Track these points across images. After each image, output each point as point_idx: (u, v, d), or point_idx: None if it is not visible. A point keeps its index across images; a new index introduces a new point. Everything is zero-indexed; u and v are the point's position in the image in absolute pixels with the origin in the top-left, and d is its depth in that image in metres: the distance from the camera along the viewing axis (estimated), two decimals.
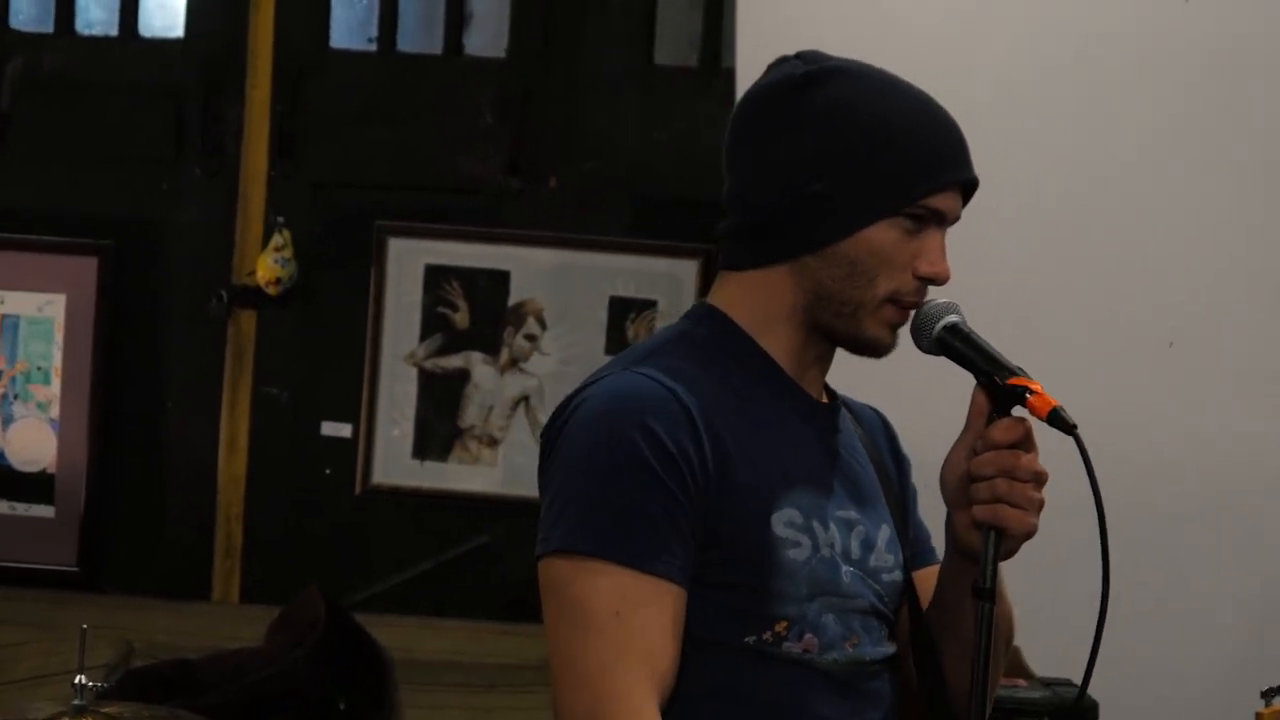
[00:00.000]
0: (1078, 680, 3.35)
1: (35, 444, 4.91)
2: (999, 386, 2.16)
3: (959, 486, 2.19)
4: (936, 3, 4.11)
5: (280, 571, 4.87)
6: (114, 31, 5.06)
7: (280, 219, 4.85)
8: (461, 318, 4.87)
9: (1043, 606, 3.72)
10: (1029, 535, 2.20)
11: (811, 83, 2.23)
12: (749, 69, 4.09)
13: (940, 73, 4.02)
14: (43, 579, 4.87)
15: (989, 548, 2.16)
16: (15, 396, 4.91)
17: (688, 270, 4.77)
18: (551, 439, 2.21)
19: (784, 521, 2.17)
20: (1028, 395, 2.13)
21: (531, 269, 4.77)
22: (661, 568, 2.11)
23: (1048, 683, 3.49)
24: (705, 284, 4.67)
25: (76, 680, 3.26)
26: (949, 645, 2.28)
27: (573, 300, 4.79)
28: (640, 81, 4.84)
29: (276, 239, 4.83)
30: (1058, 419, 2.12)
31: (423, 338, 4.87)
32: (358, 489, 4.86)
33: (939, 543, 2.38)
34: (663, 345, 2.26)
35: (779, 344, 2.26)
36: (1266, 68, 4.00)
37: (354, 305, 4.88)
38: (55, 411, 4.90)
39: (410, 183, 4.94)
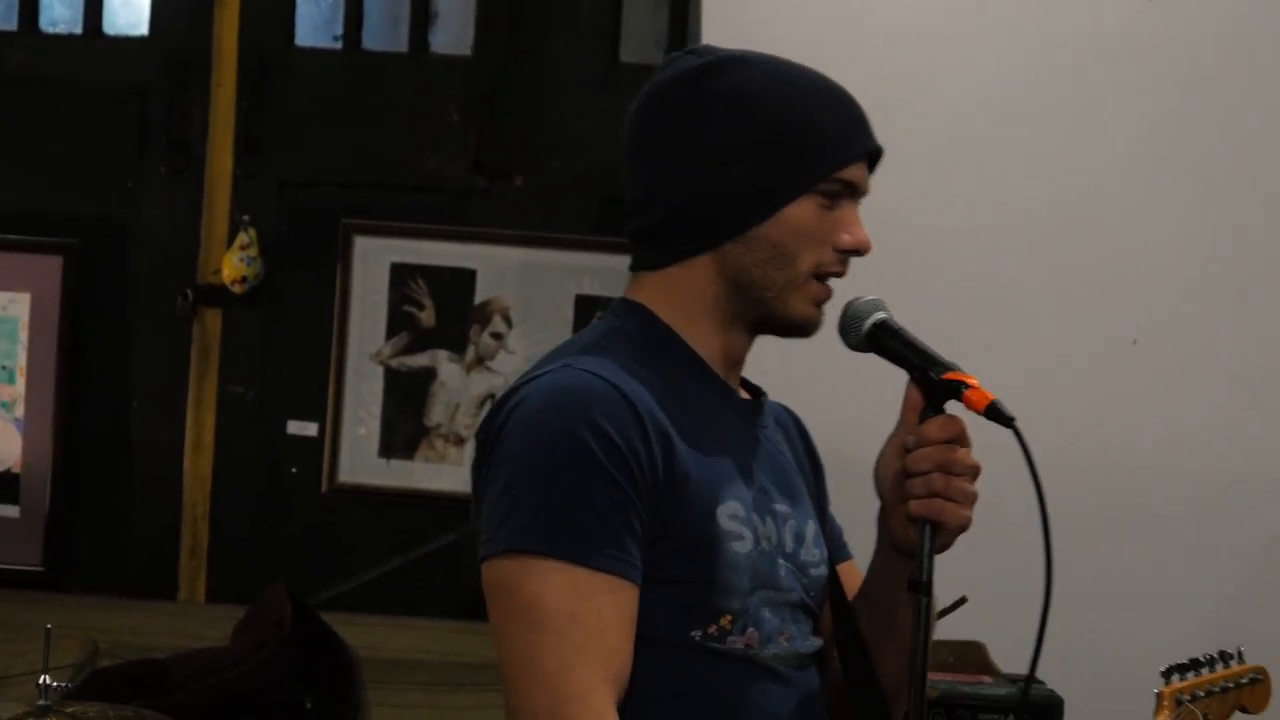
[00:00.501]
0: (1043, 677, 3.39)
1: (0, 443, 4.89)
2: (934, 382, 2.16)
3: (894, 482, 2.19)
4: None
5: (246, 571, 4.86)
6: (78, 29, 5.04)
7: (246, 217, 4.84)
8: (427, 316, 4.87)
9: (1008, 604, 3.73)
10: (964, 528, 2.21)
11: (710, 73, 2.24)
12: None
13: (909, 68, 4.05)
14: (8, 579, 4.85)
15: (925, 542, 2.15)
16: None
17: None
18: (490, 437, 2.18)
19: (728, 514, 2.18)
20: (964, 389, 2.14)
21: (497, 267, 4.77)
22: (615, 565, 2.09)
23: (1014, 679, 3.50)
24: None
25: (41, 680, 3.25)
26: (880, 638, 2.29)
27: (539, 298, 4.79)
28: (606, 80, 4.84)
29: (242, 237, 4.82)
30: (996, 412, 2.12)
31: (389, 336, 4.87)
32: (324, 488, 4.86)
33: (851, 539, 2.44)
34: (599, 340, 2.25)
35: (704, 340, 2.26)
36: (1235, 67, 4.01)
37: (320, 304, 4.88)
38: (20, 410, 4.89)
39: (376, 181, 4.94)
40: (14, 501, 4.89)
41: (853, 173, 2.25)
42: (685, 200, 2.22)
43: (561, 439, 2.11)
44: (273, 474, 4.92)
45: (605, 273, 4.74)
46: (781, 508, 2.26)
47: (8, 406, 4.90)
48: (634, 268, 2.31)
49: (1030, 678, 2.32)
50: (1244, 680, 3.07)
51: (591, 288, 4.77)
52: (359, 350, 4.87)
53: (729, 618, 2.17)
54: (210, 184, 4.94)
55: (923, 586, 2.14)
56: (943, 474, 2.15)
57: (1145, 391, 3.95)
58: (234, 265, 4.82)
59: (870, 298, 2.24)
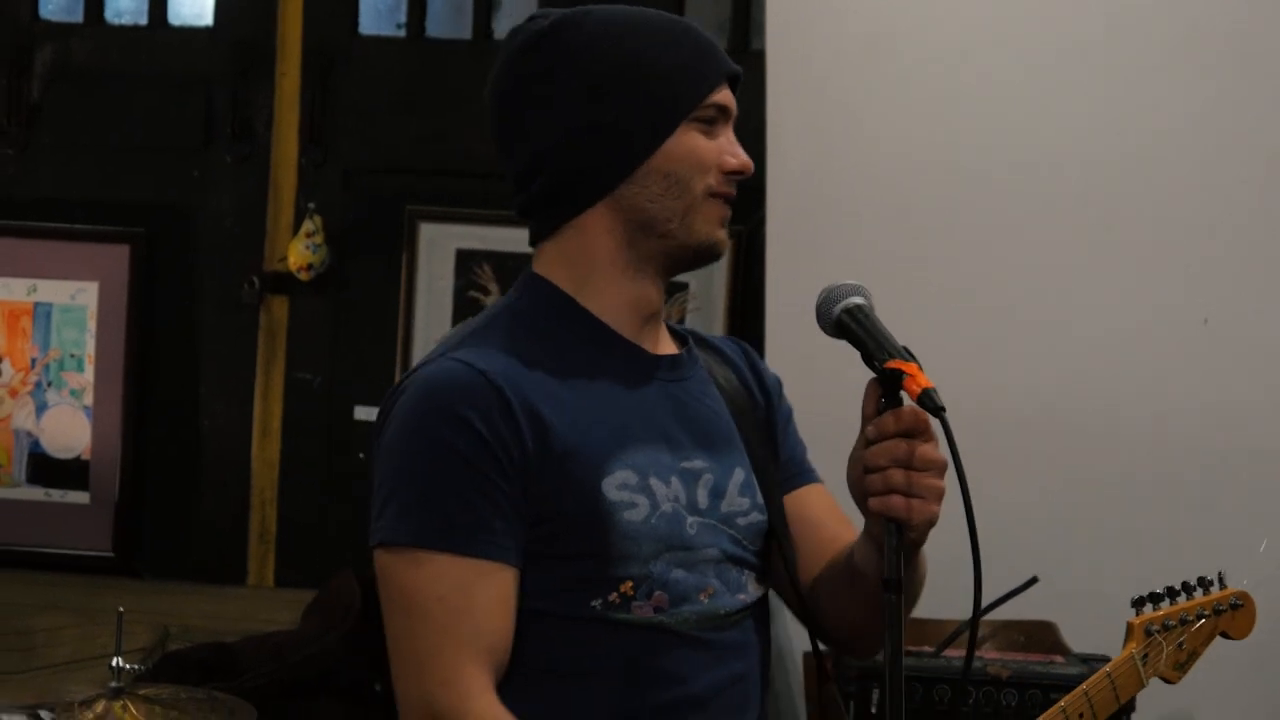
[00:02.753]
0: (1115, 656, 3.37)
1: (70, 431, 4.92)
2: (878, 370, 2.13)
3: (858, 479, 2.16)
4: None
5: (314, 555, 4.88)
6: (143, 20, 5.06)
7: (311, 205, 4.86)
8: (493, 301, 4.87)
9: (1080, 583, 3.72)
10: (930, 524, 2.15)
11: (561, 29, 2.30)
12: (779, 50, 4.09)
13: (973, 48, 4.04)
14: (78, 565, 4.89)
15: (890, 538, 2.11)
16: (49, 384, 4.93)
17: None
18: (378, 427, 2.26)
19: (616, 485, 2.20)
20: (903, 377, 2.10)
21: None
22: (482, 549, 2.15)
23: (1085, 658, 3.49)
24: (736, 266, 4.67)
25: (114, 663, 3.27)
26: (848, 590, 2.29)
27: None
28: None
29: (308, 225, 4.84)
30: (927, 401, 2.07)
31: (455, 321, 4.88)
32: None
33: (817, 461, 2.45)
34: (486, 323, 2.31)
35: (604, 299, 2.30)
36: None
37: (385, 290, 4.89)
38: (89, 398, 4.92)
39: (440, 168, 4.94)
40: (84, 488, 4.92)
41: (722, 96, 2.30)
42: (567, 155, 2.27)
43: (426, 433, 2.18)
44: (339, 459, 4.93)
45: None
46: (696, 463, 2.28)
47: (77, 394, 4.93)
48: (532, 242, 2.37)
49: (970, 658, 2.27)
50: (1223, 606, 3.05)
51: None
52: (425, 336, 4.88)
53: (629, 584, 2.20)
54: (276, 172, 4.96)
55: (892, 584, 2.10)
56: (901, 469, 2.10)
57: (1217, 371, 3.92)
58: (300, 253, 4.84)
59: (850, 283, 2.22)
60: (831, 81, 4.09)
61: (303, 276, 4.85)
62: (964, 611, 3.07)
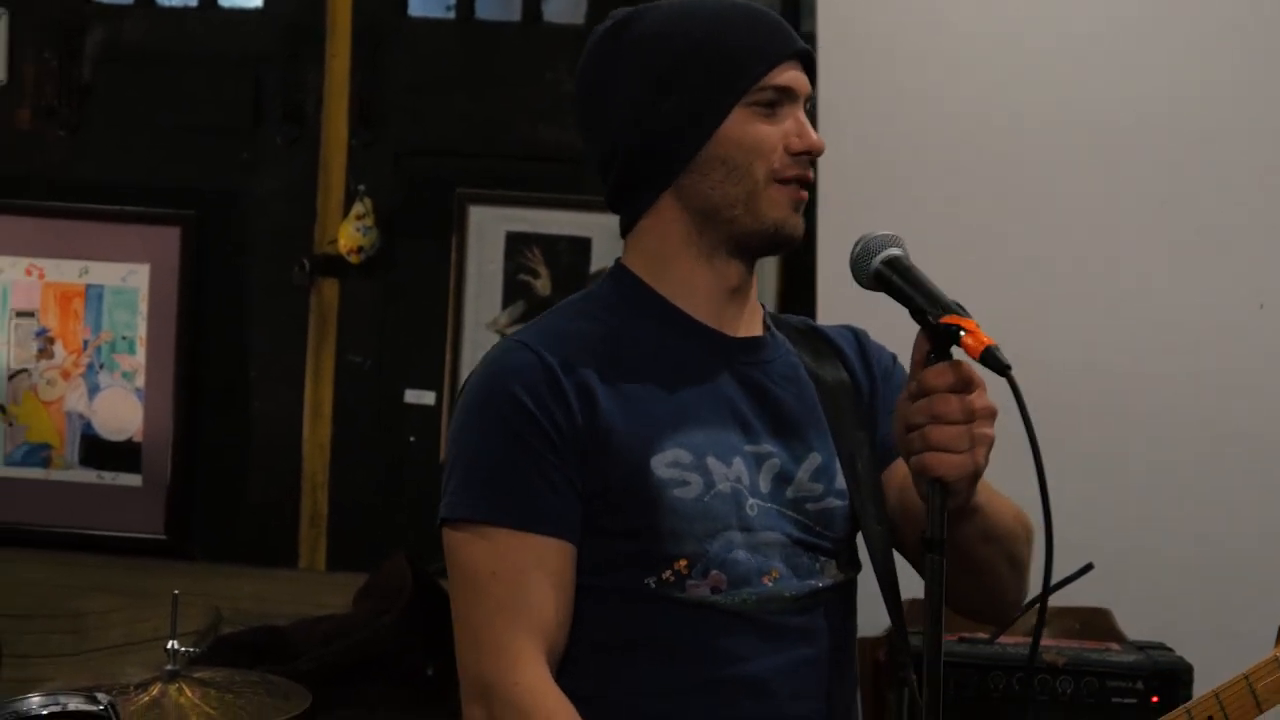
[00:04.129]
0: (1172, 644, 3.36)
1: (121, 413, 4.94)
2: (932, 325, 2.08)
3: (902, 437, 2.12)
4: None
5: (366, 539, 4.88)
6: (194, 2, 5.07)
7: (361, 187, 4.86)
8: (543, 284, 4.87)
9: (1135, 570, 3.71)
10: (973, 477, 2.10)
11: (624, 26, 2.33)
12: (831, 38, 4.07)
13: (1024, 24, 4.01)
14: (131, 547, 4.91)
15: (934, 498, 2.06)
16: (101, 366, 4.95)
17: None
18: (455, 408, 2.32)
19: (666, 463, 2.21)
20: (961, 334, 2.04)
21: (612, 235, 4.68)
22: (537, 524, 2.20)
23: (1141, 646, 3.47)
24: (786, 258, 4.61)
25: (169, 646, 3.28)
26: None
27: None
28: None
29: (358, 207, 4.84)
30: (992, 359, 2.02)
31: (505, 304, 4.88)
32: (442, 456, 4.86)
33: None
34: (562, 307, 2.37)
35: (679, 285, 2.32)
36: None
37: (436, 273, 4.89)
38: (140, 381, 4.93)
39: (490, 150, 4.94)
40: (136, 470, 4.93)
41: (783, 76, 2.28)
42: (631, 148, 2.30)
43: (481, 412, 2.25)
44: (391, 442, 4.94)
45: None
46: (765, 447, 2.29)
47: (129, 377, 4.94)
48: (622, 234, 2.39)
49: (1036, 640, 2.22)
50: None
51: None
52: (475, 319, 4.88)
53: (684, 562, 2.21)
54: (326, 154, 4.96)
55: (935, 544, 2.04)
56: (937, 425, 2.05)
57: (1273, 357, 3.89)
58: (350, 235, 4.84)
59: (884, 233, 2.18)
60: (883, 62, 4.08)
61: (353, 259, 4.85)
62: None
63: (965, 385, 2.07)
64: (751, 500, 2.25)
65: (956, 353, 2.07)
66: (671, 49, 2.28)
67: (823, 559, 2.30)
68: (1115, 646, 3.49)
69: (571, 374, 2.23)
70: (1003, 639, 3.38)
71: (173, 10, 5.08)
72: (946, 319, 2.06)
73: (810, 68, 2.33)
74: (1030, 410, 3.83)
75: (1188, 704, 2.77)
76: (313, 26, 4.95)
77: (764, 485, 2.27)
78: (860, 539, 2.37)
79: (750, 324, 2.38)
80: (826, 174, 4.04)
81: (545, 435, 2.20)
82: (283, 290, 4.95)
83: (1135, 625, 3.65)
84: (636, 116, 2.28)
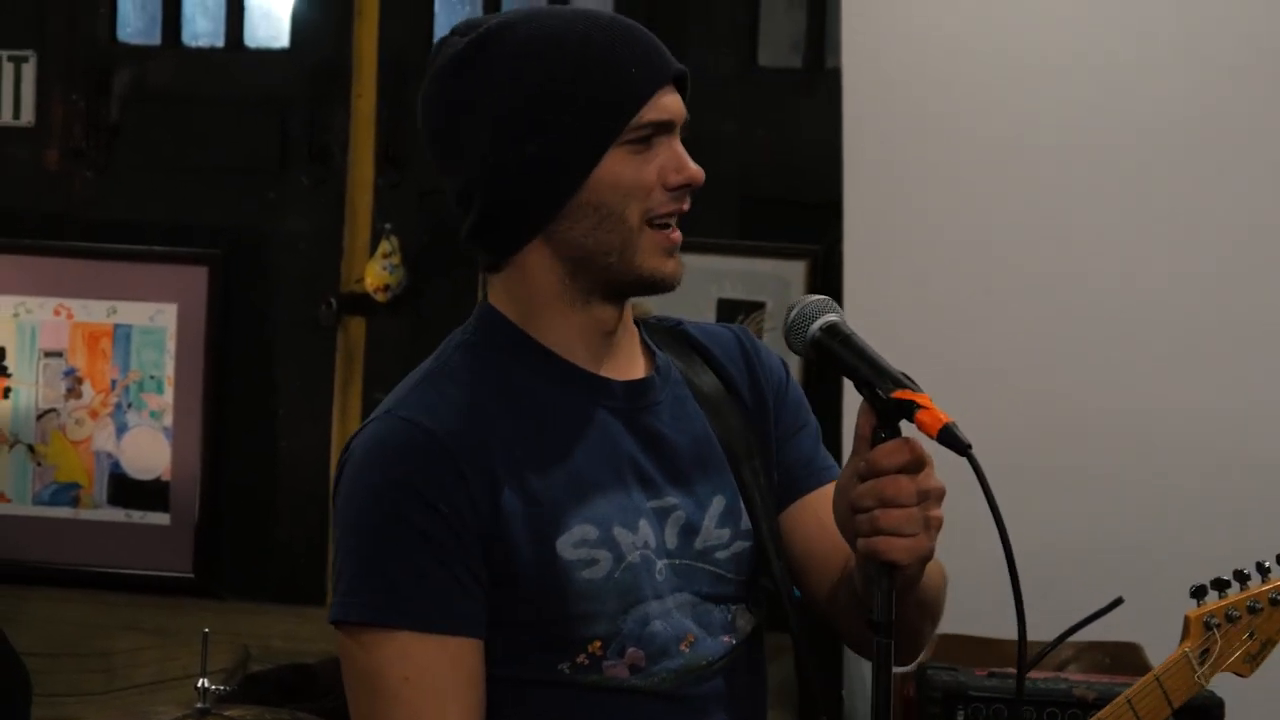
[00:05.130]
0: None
1: (149, 452, 4.95)
2: (881, 400, 1.94)
3: (846, 516, 2.00)
4: None
5: None
6: (220, 43, 5.09)
7: (388, 226, 4.87)
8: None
9: (1165, 605, 3.69)
10: (923, 560, 1.98)
11: (477, 51, 2.12)
12: (856, 68, 4.08)
13: (1047, 63, 4.01)
14: (159, 586, 4.91)
15: (882, 580, 1.95)
16: (129, 405, 4.96)
17: (795, 271, 4.75)
18: (334, 489, 2.14)
19: (573, 543, 2.08)
20: (915, 410, 1.92)
21: None
22: (445, 624, 2.03)
23: None
24: (813, 285, 4.66)
25: (200, 684, 3.29)
26: (858, 608, 2.11)
27: (680, 302, 4.70)
28: (744, 82, 4.83)
29: (384, 246, 4.85)
30: (950, 438, 1.89)
31: None
32: None
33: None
34: (439, 366, 2.17)
35: (556, 332, 2.15)
36: None
37: (462, 310, 4.78)
38: (169, 420, 4.95)
39: None
40: (164, 509, 4.94)
41: (657, 110, 2.11)
42: (495, 190, 2.11)
43: (374, 503, 2.06)
44: None
45: (747, 276, 4.73)
46: (668, 500, 2.16)
47: (156, 416, 4.95)
48: (484, 270, 2.24)
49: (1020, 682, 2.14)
50: None
51: (734, 291, 4.75)
52: None
53: (598, 643, 2.09)
54: (352, 193, 4.98)
55: (882, 628, 1.95)
56: (886, 510, 1.93)
57: None
58: (377, 274, 4.85)
59: (817, 297, 2.05)
60: (908, 100, 4.07)
61: (380, 297, 4.86)
62: (1048, 633, 3.05)
63: (917, 465, 1.93)
64: (660, 563, 2.13)
65: (907, 429, 1.95)
66: (536, 82, 2.08)
67: (733, 607, 2.20)
68: None
69: (470, 456, 2.05)
70: (1033, 674, 3.36)
71: (199, 51, 5.10)
72: (898, 394, 1.93)
73: (685, 87, 2.16)
74: (1063, 441, 3.84)
75: (1100, 713, 2.79)
76: (339, 66, 4.97)
77: (670, 541, 2.15)
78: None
79: (631, 362, 2.22)
80: (853, 201, 4.05)
81: (449, 527, 2.03)
82: (309, 329, 4.96)
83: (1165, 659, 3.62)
84: (497, 159, 2.10)
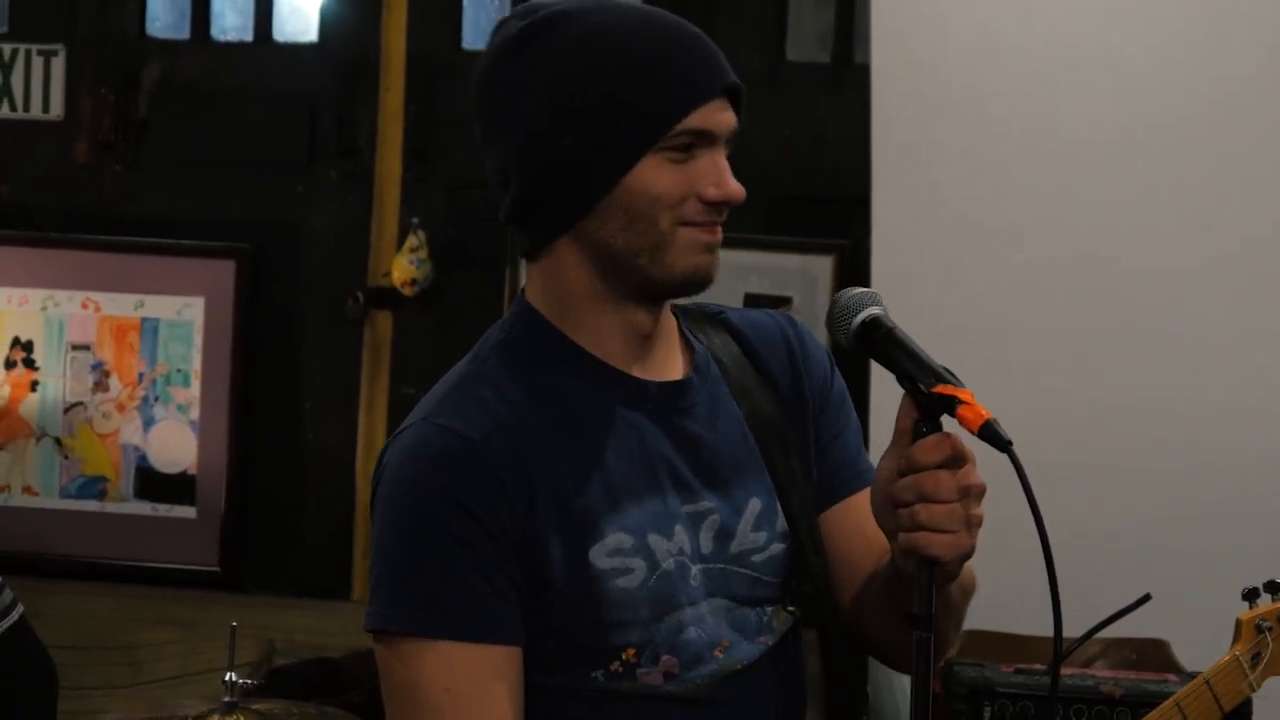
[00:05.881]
0: None
1: (176, 446, 4.96)
2: (924, 395, 1.91)
3: (885, 510, 1.97)
4: None
5: None
6: (248, 37, 5.10)
7: (415, 220, 4.87)
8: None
9: (1192, 601, 3.68)
10: (964, 557, 1.95)
11: (531, 38, 2.07)
12: (885, 64, 4.07)
13: (1076, 57, 4.00)
14: (185, 579, 4.92)
15: (922, 575, 1.92)
16: (156, 399, 4.97)
17: (822, 267, 4.74)
18: (371, 497, 2.11)
19: (607, 551, 2.04)
20: (957, 406, 1.89)
21: None
22: (485, 633, 2.00)
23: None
24: (840, 280, 4.65)
25: (227, 678, 3.28)
26: (887, 614, 2.11)
27: (708, 297, 4.70)
28: (772, 78, 4.82)
29: (411, 240, 4.85)
30: (991, 433, 1.87)
31: None
32: None
33: None
34: (475, 368, 2.14)
35: (590, 331, 2.12)
36: None
37: (489, 305, 4.89)
38: (195, 413, 4.95)
39: None
40: (190, 503, 4.95)
41: (702, 119, 2.04)
42: (530, 180, 2.07)
43: (414, 513, 2.02)
44: None
45: (775, 271, 4.72)
46: (703, 504, 2.12)
47: (184, 409, 4.96)
48: (522, 255, 2.19)
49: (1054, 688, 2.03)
50: None
51: (761, 286, 4.74)
52: None
53: (631, 651, 2.06)
54: (380, 187, 4.98)
55: (922, 621, 1.92)
56: (927, 505, 1.90)
57: None
58: (404, 268, 4.85)
59: (861, 290, 2.03)
60: (937, 95, 4.06)
61: (407, 292, 4.87)
62: (1075, 629, 3.04)
63: (958, 460, 1.91)
64: (695, 568, 2.09)
65: (948, 424, 1.93)
66: (580, 77, 2.04)
67: (768, 609, 2.17)
68: (1172, 677, 3.46)
69: (501, 460, 2.02)
70: (1060, 670, 3.35)
71: (228, 45, 5.11)
72: (940, 389, 1.91)
73: (738, 101, 2.09)
74: (1091, 438, 3.82)
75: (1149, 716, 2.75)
76: (367, 61, 4.97)
77: (705, 545, 2.11)
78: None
79: (670, 363, 2.17)
80: (881, 196, 4.04)
81: (488, 534, 2.00)
82: (336, 323, 4.96)
83: (1192, 656, 3.62)
84: (534, 149, 2.06)
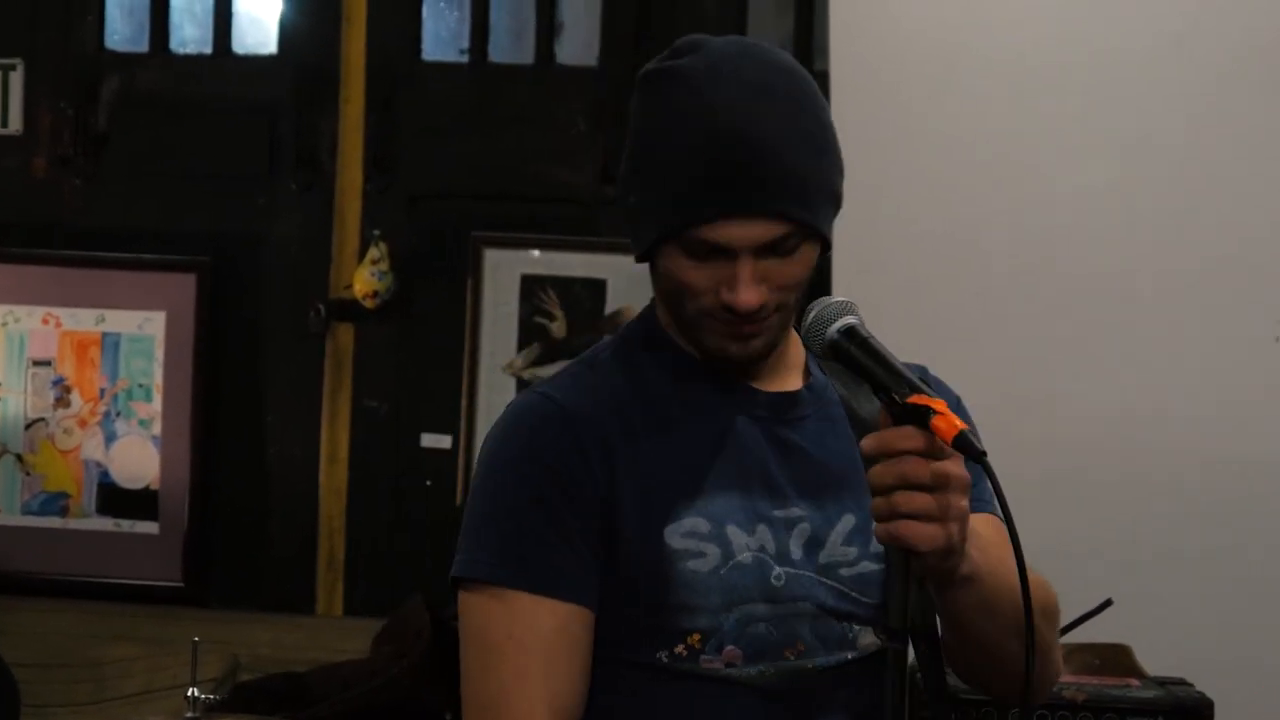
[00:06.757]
0: (1192, 679, 3.34)
1: (138, 461, 4.94)
2: (899, 405, 1.91)
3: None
4: None
5: (383, 583, 4.87)
6: (208, 49, 5.09)
7: (376, 232, 4.87)
8: (558, 327, 4.87)
9: (1154, 606, 3.69)
10: (945, 550, 1.91)
11: (642, 84, 2.12)
12: (844, 71, 4.07)
13: (1034, 68, 4.01)
14: (148, 595, 4.90)
15: (895, 576, 1.90)
16: (118, 414, 4.95)
17: None
18: (478, 459, 2.20)
19: (682, 533, 2.08)
20: (931, 416, 1.88)
21: (628, 277, 4.75)
22: (555, 589, 2.06)
23: (1161, 682, 3.45)
24: (810, 289, 4.64)
25: (189, 693, 3.28)
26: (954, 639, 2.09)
27: None
28: None
29: (373, 252, 4.84)
30: (965, 444, 1.85)
31: (520, 347, 4.88)
32: (458, 499, 4.86)
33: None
34: (587, 360, 2.21)
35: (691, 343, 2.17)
36: None
37: (451, 316, 4.89)
38: (157, 428, 4.94)
39: (505, 193, 4.94)
40: (153, 518, 4.93)
41: (715, 232, 2.03)
42: (621, 206, 2.16)
43: (502, 469, 2.12)
44: (407, 487, 4.93)
45: None
46: (794, 511, 2.12)
47: (145, 424, 4.94)
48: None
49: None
50: None
51: None
52: (491, 362, 4.87)
53: (697, 636, 2.08)
54: (341, 199, 4.97)
55: (898, 634, 1.88)
56: (904, 491, 1.88)
57: None
58: (365, 280, 4.84)
59: (838, 299, 2.02)
60: (896, 103, 4.07)
61: (368, 304, 4.86)
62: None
63: (933, 450, 1.89)
64: (779, 569, 2.10)
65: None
66: (638, 148, 2.10)
67: (856, 627, 2.15)
68: (1135, 682, 3.46)
69: (596, 434, 2.09)
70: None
71: (187, 58, 5.10)
72: (915, 399, 1.90)
73: (777, 213, 2.04)
74: (1048, 447, 3.83)
75: None
76: (326, 72, 4.97)
77: (795, 551, 2.12)
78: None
79: (783, 375, 2.18)
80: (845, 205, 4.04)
81: (568, 497, 2.07)
82: (298, 336, 4.95)
83: (1155, 661, 3.62)
84: (621, 183, 2.15)
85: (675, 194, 2.05)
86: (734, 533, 2.10)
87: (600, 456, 2.09)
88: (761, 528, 2.11)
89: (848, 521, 2.15)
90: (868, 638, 2.16)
